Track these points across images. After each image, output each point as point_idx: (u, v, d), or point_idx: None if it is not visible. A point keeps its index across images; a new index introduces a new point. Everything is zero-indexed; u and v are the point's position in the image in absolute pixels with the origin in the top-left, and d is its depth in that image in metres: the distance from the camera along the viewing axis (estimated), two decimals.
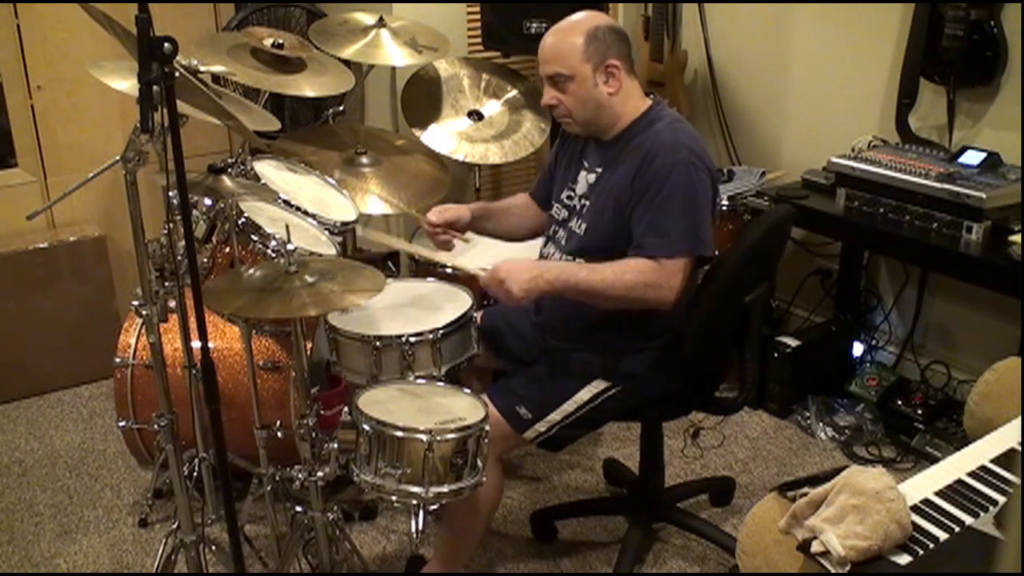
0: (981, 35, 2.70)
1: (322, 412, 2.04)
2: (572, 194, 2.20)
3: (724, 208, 3.14)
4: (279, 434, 2.22)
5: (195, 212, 2.23)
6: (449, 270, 2.66)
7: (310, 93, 2.83)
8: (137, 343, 2.52)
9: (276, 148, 2.90)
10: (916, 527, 1.40)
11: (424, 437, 1.80)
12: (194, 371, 2.13)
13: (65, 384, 3.38)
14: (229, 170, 2.29)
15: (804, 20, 3.33)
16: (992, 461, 1.61)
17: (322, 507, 2.09)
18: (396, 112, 3.45)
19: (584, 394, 2.11)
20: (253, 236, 2.31)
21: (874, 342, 3.28)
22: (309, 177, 2.71)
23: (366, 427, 1.83)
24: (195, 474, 2.35)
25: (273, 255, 2.24)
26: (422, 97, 3.22)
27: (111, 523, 2.65)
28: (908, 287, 3.19)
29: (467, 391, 2.01)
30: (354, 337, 2.11)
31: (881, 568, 1.34)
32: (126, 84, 2.08)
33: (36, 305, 3.29)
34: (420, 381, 2.07)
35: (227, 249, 2.44)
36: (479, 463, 1.88)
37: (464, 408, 1.92)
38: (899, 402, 2.98)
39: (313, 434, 2.01)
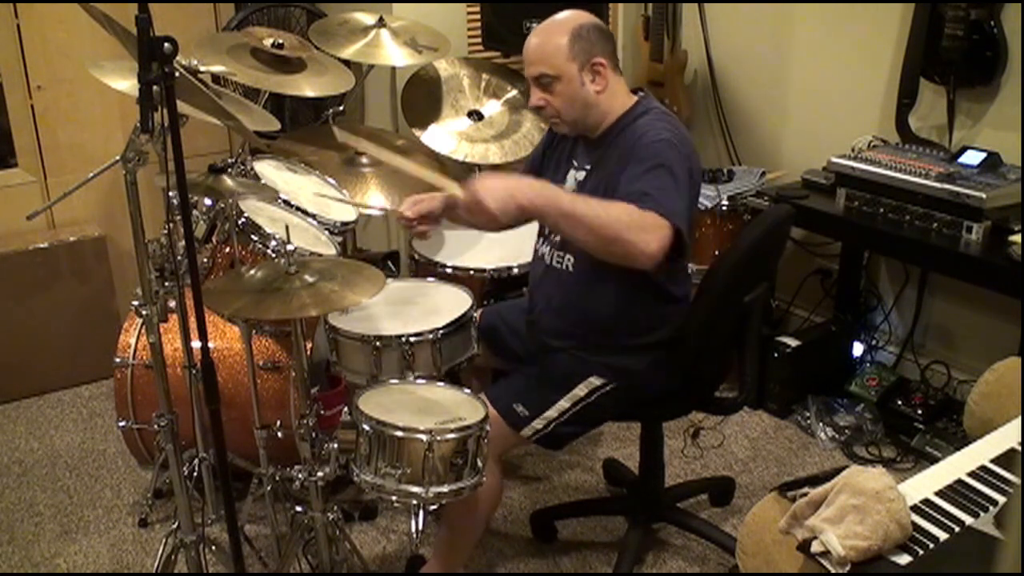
0: (981, 35, 2.70)
1: (322, 412, 2.04)
2: None
3: (724, 208, 3.14)
4: (279, 434, 2.23)
5: (195, 212, 2.23)
6: (450, 269, 2.66)
7: (310, 93, 2.83)
8: (137, 343, 2.52)
9: (276, 148, 2.90)
10: (916, 527, 1.40)
11: (424, 437, 1.80)
12: (194, 371, 2.14)
13: (65, 384, 3.38)
14: (229, 170, 2.29)
15: (804, 20, 3.33)
16: (992, 461, 1.61)
17: (322, 507, 2.09)
18: (396, 112, 3.45)
19: (580, 390, 2.11)
20: (253, 236, 2.31)
21: (874, 342, 3.28)
22: (309, 177, 2.71)
23: (366, 427, 1.83)
24: (195, 474, 2.35)
25: (273, 255, 2.25)
26: (422, 97, 3.22)
27: (111, 523, 2.65)
28: (908, 287, 3.19)
29: (467, 391, 2.01)
30: (354, 337, 2.11)
31: (881, 568, 1.34)
32: (126, 84, 2.08)
33: (36, 305, 3.29)
34: (420, 381, 2.07)
35: (227, 249, 2.44)
36: (479, 463, 1.88)
37: (464, 408, 1.92)
38: (899, 402, 2.98)
39: (313, 434, 2.01)
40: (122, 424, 2.52)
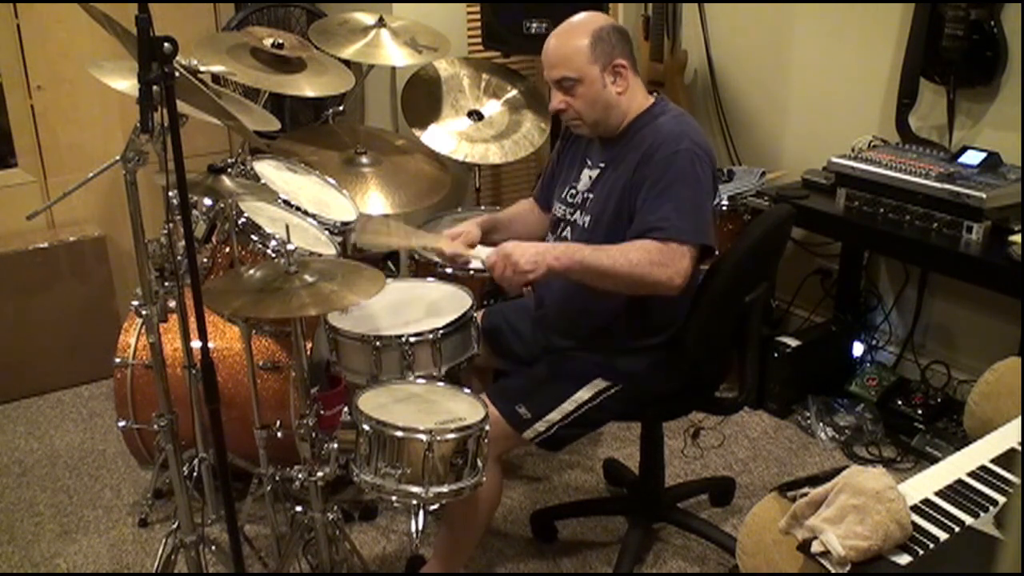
0: (981, 35, 2.70)
1: (322, 412, 2.04)
2: (575, 191, 2.20)
3: (724, 208, 3.14)
4: (279, 434, 2.23)
5: (195, 212, 2.23)
6: (450, 269, 2.66)
7: (310, 93, 2.83)
8: (137, 343, 2.52)
9: (276, 148, 2.90)
10: (916, 527, 1.40)
11: (424, 437, 1.80)
12: (194, 371, 2.13)
13: (65, 384, 3.38)
14: (229, 170, 2.29)
15: (804, 20, 3.33)
16: (992, 461, 1.61)
17: (322, 507, 2.09)
18: (396, 112, 3.45)
19: (584, 393, 2.11)
20: (253, 236, 2.31)
21: (874, 342, 3.28)
22: (309, 177, 2.71)
23: (366, 427, 1.83)
24: (195, 474, 2.35)
25: (273, 255, 2.24)
26: (422, 97, 3.22)
27: (111, 523, 2.65)
28: (908, 287, 3.19)
29: (467, 391, 2.01)
30: (354, 337, 2.11)
31: (881, 568, 1.34)
32: (126, 84, 2.08)
33: (36, 305, 3.29)
34: (420, 381, 2.07)
35: (227, 249, 2.44)
36: (479, 463, 1.88)
37: (464, 408, 1.92)
38: (899, 402, 2.98)
39: (313, 434, 2.01)
40: (122, 424, 2.52)
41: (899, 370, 3.20)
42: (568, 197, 2.21)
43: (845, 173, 2.83)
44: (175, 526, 2.08)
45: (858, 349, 3.25)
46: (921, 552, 1.37)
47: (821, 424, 3.01)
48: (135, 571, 2.46)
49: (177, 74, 1.58)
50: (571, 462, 2.91)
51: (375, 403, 1.92)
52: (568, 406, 2.10)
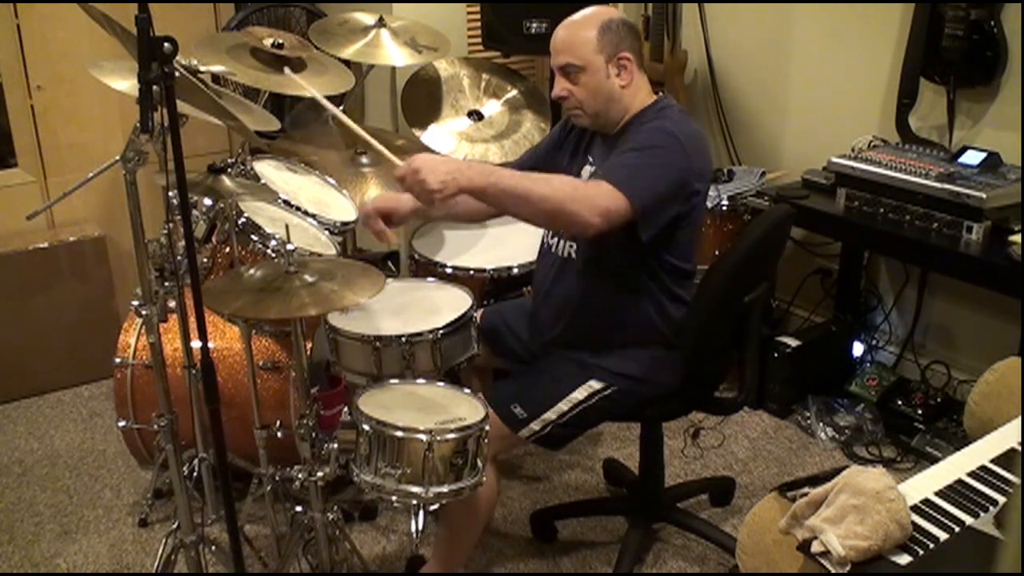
0: (981, 35, 2.70)
1: (322, 412, 2.04)
2: None
3: (724, 208, 3.15)
4: (279, 434, 2.22)
5: (195, 212, 2.23)
6: (450, 269, 2.65)
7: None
8: (137, 343, 2.52)
9: (276, 148, 2.90)
10: (916, 527, 1.40)
11: (424, 437, 1.80)
12: (194, 371, 2.13)
13: (65, 384, 3.38)
14: (229, 170, 2.29)
15: (804, 20, 3.33)
16: (992, 461, 1.61)
17: (322, 507, 2.09)
18: (396, 112, 3.45)
19: (579, 393, 2.11)
20: (253, 236, 2.31)
21: (874, 342, 3.28)
22: (309, 177, 2.71)
23: (366, 427, 1.83)
24: (195, 474, 2.36)
25: (273, 255, 2.24)
26: (422, 97, 3.22)
27: (111, 523, 2.65)
28: (908, 287, 3.19)
29: (467, 391, 2.01)
30: (354, 337, 2.11)
31: (881, 568, 1.34)
32: (126, 84, 2.08)
33: (36, 305, 3.29)
34: (420, 381, 2.07)
35: (227, 249, 2.44)
36: (479, 463, 1.88)
37: (464, 408, 1.92)
38: (899, 402, 2.98)
39: (313, 434, 2.01)
40: (122, 424, 2.52)
41: (899, 370, 3.20)
42: None
43: (845, 173, 2.83)
44: (175, 526, 2.08)
45: (858, 349, 3.25)
46: (921, 552, 1.37)
47: (821, 424, 3.01)
48: (135, 571, 2.46)
49: (177, 74, 1.58)
50: (571, 462, 2.91)
51: (375, 403, 1.92)
52: (563, 406, 2.10)
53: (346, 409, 2.31)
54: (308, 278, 1.91)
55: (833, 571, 1.35)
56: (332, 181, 2.73)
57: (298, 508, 2.23)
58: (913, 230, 2.65)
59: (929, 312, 3.15)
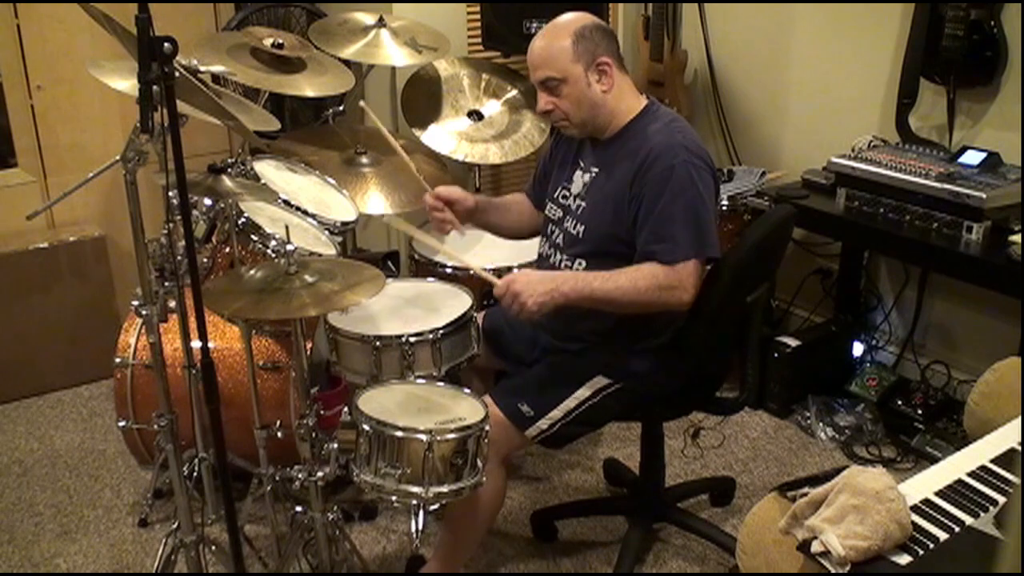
0: (981, 35, 2.70)
1: (322, 412, 2.04)
2: (567, 193, 2.19)
3: (724, 208, 3.14)
4: (279, 434, 2.23)
5: (195, 212, 2.23)
6: (450, 269, 2.66)
7: (310, 93, 2.83)
8: (137, 343, 2.52)
9: (276, 148, 2.90)
10: (916, 527, 1.40)
11: (424, 437, 1.80)
12: (194, 371, 2.13)
13: (65, 384, 3.38)
14: (229, 170, 2.29)
15: (804, 20, 3.33)
16: (992, 461, 1.61)
17: (322, 507, 2.09)
18: (396, 112, 3.45)
19: (585, 391, 2.11)
20: (253, 236, 2.31)
21: (874, 342, 3.28)
22: (309, 177, 2.71)
23: (366, 427, 1.83)
24: (195, 474, 2.35)
25: (273, 255, 2.24)
26: (422, 97, 3.22)
27: (111, 523, 2.65)
28: (908, 287, 3.19)
29: (467, 391, 2.01)
30: (354, 337, 2.11)
31: (881, 568, 1.34)
32: (126, 84, 2.08)
33: (36, 305, 3.28)
34: (420, 381, 2.07)
35: (227, 249, 2.44)
36: (479, 463, 1.88)
37: (464, 408, 1.92)
38: (899, 402, 2.98)
39: (313, 434, 2.01)
40: (122, 424, 2.52)
41: (899, 370, 3.20)
42: (560, 198, 2.21)
43: (845, 173, 2.83)
44: (175, 526, 2.08)
45: (858, 349, 3.25)
46: (921, 552, 1.37)
47: (821, 424, 3.01)
48: (135, 571, 2.46)
49: (177, 74, 1.58)
50: (571, 462, 2.91)
51: (375, 403, 1.92)
52: (570, 403, 2.10)
53: (346, 409, 2.31)
54: (308, 278, 1.91)
55: (833, 571, 1.35)
56: (332, 181, 2.73)
57: (298, 508, 2.23)
58: (913, 230, 2.65)
59: (929, 312, 3.15)
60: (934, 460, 2.68)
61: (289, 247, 1.94)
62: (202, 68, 2.27)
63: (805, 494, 1.48)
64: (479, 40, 3.43)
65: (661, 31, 3.54)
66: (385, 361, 2.09)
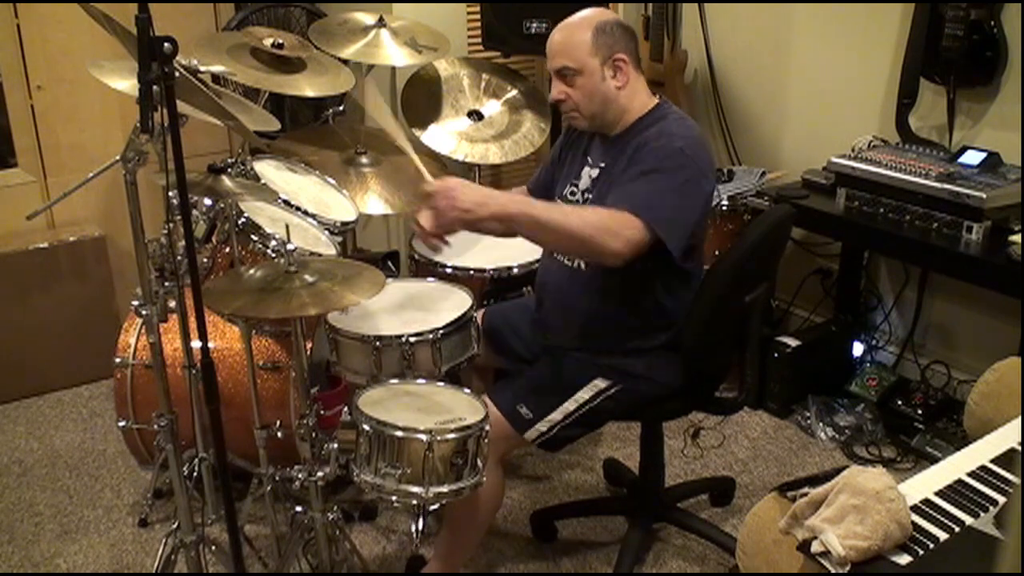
0: (981, 35, 2.70)
1: (322, 412, 2.04)
2: (575, 189, 2.20)
3: (724, 208, 3.15)
4: (279, 434, 2.23)
5: (195, 212, 2.23)
6: (450, 269, 2.65)
7: (310, 93, 2.83)
8: (137, 343, 2.52)
9: (276, 148, 2.90)
10: (916, 527, 1.40)
11: (424, 437, 1.80)
12: (194, 371, 2.13)
13: (65, 384, 3.38)
14: (229, 170, 2.29)
15: (804, 20, 3.33)
16: (992, 461, 1.61)
17: (322, 507, 2.09)
18: (396, 112, 3.45)
19: (584, 393, 2.11)
20: (253, 236, 2.31)
21: (874, 342, 3.28)
22: (309, 177, 2.71)
23: (366, 427, 1.83)
24: (195, 474, 2.35)
25: (273, 255, 2.24)
26: (422, 97, 3.22)
27: (111, 523, 2.65)
28: (908, 287, 3.19)
29: (467, 391, 2.01)
30: (354, 337, 2.11)
31: (881, 568, 1.34)
32: (126, 84, 2.08)
33: (36, 305, 3.28)
34: (420, 381, 2.07)
35: (227, 249, 2.44)
36: (479, 463, 1.88)
37: (464, 408, 1.92)
38: (899, 402, 2.98)
39: (313, 434, 2.01)
40: (122, 424, 2.52)
41: (899, 370, 3.20)
42: (568, 195, 2.21)
43: (845, 173, 2.83)
44: (175, 526, 2.08)
45: (858, 349, 3.25)
46: (921, 552, 1.37)
47: (821, 424, 3.01)
48: (135, 571, 2.46)
49: (177, 74, 1.58)
50: (571, 462, 2.91)
51: (375, 403, 1.92)
52: (569, 405, 2.10)
53: (346, 409, 2.31)
54: (308, 278, 1.91)
55: (833, 571, 1.35)
56: (332, 181, 2.73)
57: (298, 508, 2.23)
58: (913, 230, 2.65)
59: (929, 312, 3.15)
60: (934, 460, 2.68)
61: (289, 247, 1.94)
62: (202, 68, 2.27)
63: (805, 494, 1.48)
64: (479, 40, 3.43)
65: (661, 31, 3.54)
66: (385, 361, 2.09)
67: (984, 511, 1.46)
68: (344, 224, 2.57)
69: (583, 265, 2.13)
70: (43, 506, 2.73)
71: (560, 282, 2.18)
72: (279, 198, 2.42)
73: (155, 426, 2.00)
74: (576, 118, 2.13)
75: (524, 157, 3.23)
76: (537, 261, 2.44)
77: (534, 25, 3.17)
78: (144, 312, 1.93)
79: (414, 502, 1.98)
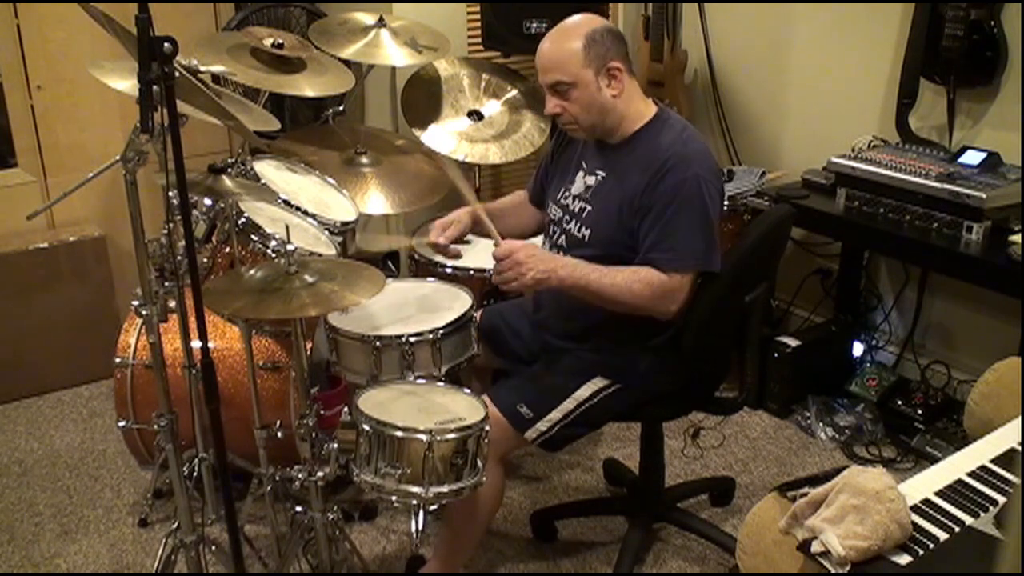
0: (981, 35, 2.70)
1: (322, 412, 2.04)
2: (568, 194, 2.19)
3: (724, 208, 3.13)
4: (279, 434, 2.22)
5: (195, 212, 2.23)
6: (450, 269, 2.66)
7: (310, 93, 2.83)
8: (137, 343, 2.52)
9: (276, 148, 2.90)
10: (916, 527, 1.40)
11: (424, 437, 1.80)
12: (194, 371, 2.13)
13: (65, 384, 3.38)
14: (229, 170, 2.29)
15: (804, 20, 3.33)
16: (992, 461, 1.61)
17: (322, 507, 2.09)
18: (396, 112, 3.45)
19: (584, 392, 2.11)
20: (253, 236, 2.31)
21: (874, 342, 3.28)
22: (309, 177, 2.71)
23: (366, 427, 1.83)
24: (195, 474, 2.35)
25: (273, 255, 2.24)
26: (422, 97, 3.22)
27: (111, 523, 2.65)
28: (908, 287, 3.19)
29: (467, 391, 2.01)
30: (354, 337, 2.11)
31: (881, 568, 1.34)
32: (126, 84, 2.08)
33: (36, 305, 3.28)
34: (420, 381, 2.07)
35: (227, 249, 2.44)
36: (479, 463, 1.88)
37: (464, 408, 1.92)
38: (899, 402, 2.98)
39: (313, 434, 2.01)
40: (122, 424, 2.52)
41: (899, 370, 3.20)
42: (561, 199, 2.21)
43: (845, 173, 2.83)
44: (175, 526, 2.08)
45: (858, 349, 3.25)
46: (921, 552, 1.37)
47: (821, 424, 3.01)
48: (135, 571, 2.46)
49: (177, 74, 1.58)
50: (571, 462, 2.91)
51: (375, 403, 1.92)
52: (569, 404, 2.10)
53: (346, 409, 2.31)
54: (308, 278, 1.91)
55: (833, 571, 1.35)
56: (332, 181, 2.72)
57: (298, 508, 2.23)
58: (913, 230, 2.65)
59: (929, 312, 3.15)
60: (934, 460, 2.68)
61: (289, 247, 1.94)
62: (202, 68, 2.27)
63: (805, 494, 1.48)
64: (479, 40, 3.42)
65: (661, 31, 3.54)
66: (385, 361, 2.09)
67: (984, 511, 1.46)
68: (344, 224, 2.57)
69: None
70: (43, 506, 2.73)
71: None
72: (279, 198, 2.41)
73: (155, 426, 2.00)
74: (575, 130, 2.12)
75: (524, 157, 3.23)
76: None
77: (534, 25, 3.17)
78: (144, 312, 1.93)
79: (414, 502, 1.98)
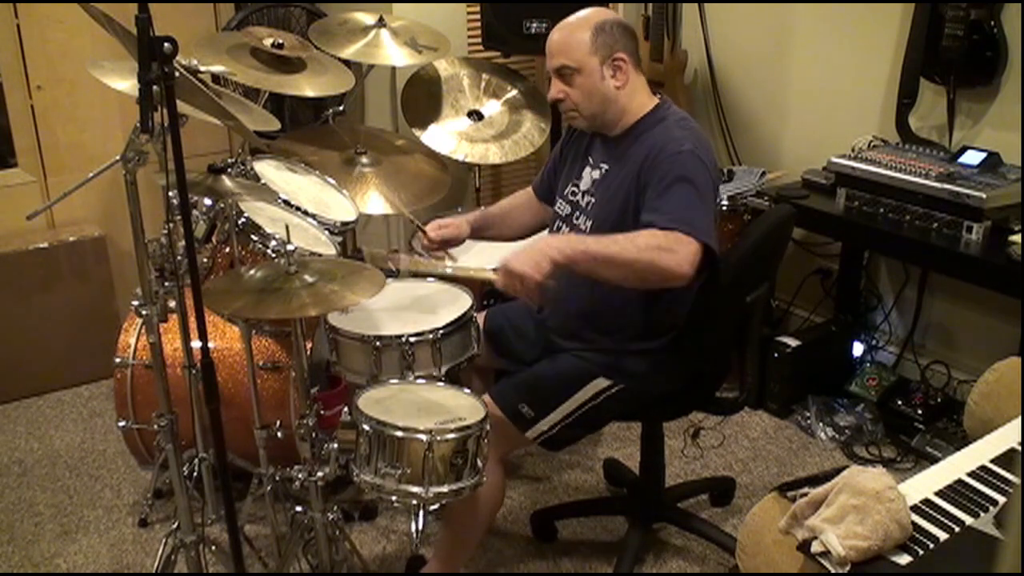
0: (981, 35, 2.70)
1: (322, 412, 2.04)
2: (576, 190, 2.20)
3: (724, 208, 3.14)
4: (279, 434, 2.23)
5: (195, 212, 2.23)
6: (449, 269, 2.66)
7: (310, 93, 2.83)
8: (137, 343, 2.52)
9: (276, 148, 2.90)
10: (916, 527, 1.40)
11: (424, 437, 1.80)
12: (194, 371, 2.13)
13: (65, 384, 3.38)
14: (229, 170, 2.29)
15: (804, 20, 3.33)
16: (992, 461, 1.61)
17: (322, 507, 2.08)
18: (396, 112, 3.45)
19: (585, 392, 2.11)
20: (253, 236, 2.31)
21: (874, 342, 3.28)
22: (309, 177, 2.71)
23: (366, 427, 1.83)
24: (195, 474, 2.35)
25: (273, 255, 2.24)
26: (422, 97, 3.22)
27: (111, 523, 2.65)
28: (908, 287, 3.19)
29: (467, 391, 2.01)
30: (354, 337, 2.11)
31: (881, 568, 1.34)
32: (126, 84, 2.08)
33: (36, 305, 3.28)
34: (420, 381, 2.07)
35: (227, 249, 2.44)
36: (479, 463, 1.88)
37: (464, 408, 1.92)
38: (899, 402, 2.98)
39: (313, 434, 2.01)
40: (122, 424, 2.52)
41: (899, 370, 3.20)
42: (569, 195, 2.21)
43: (845, 173, 2.83)
44: (175, 526, 2.08)
45: (858, 349, 3.25)
46: (921, 552, 1.37)
47: (821, 424, 3.01)
48: (135, 571, 2.46)
49: (177, 74, 1.58)
50: (571, 462, 2.91)
51: (375, 403, 1.92)
52: (570, 405, 2.10)
53: (346, 409, 2.31)
54: (308, 278, 1.91)
55: (833, 571, 1.35)
56: (332, 181, 2.72)
57: (298, 508, 2.23)
58: (913, 230, 2.65)
59: (929, 312, 3.15)
60: (934, 460, 2.68)
61: (289, 247, 1.94)
62: (202, 68, 2.27)
63: (805, 494, 1.48)
64: (479, 40, 3.43)
65: (661, 31, 3.54)
66: (385, 361, 2.09)
67: (984, 511, 1.46)
68: (344, 224, 2.57)
69: None
70: (43, 506, 2.73)
71: (564, 282, 2.18)
72: (279, 198, 2.42)
73: (155, 426, 2.00)
74: (575, 117, 2.13)
75: (524, 157, 3.23)
76: None
77: (534, 25, 3.17)
78: (144, 312, 1.93)
79: (414, 502, 1.98)
